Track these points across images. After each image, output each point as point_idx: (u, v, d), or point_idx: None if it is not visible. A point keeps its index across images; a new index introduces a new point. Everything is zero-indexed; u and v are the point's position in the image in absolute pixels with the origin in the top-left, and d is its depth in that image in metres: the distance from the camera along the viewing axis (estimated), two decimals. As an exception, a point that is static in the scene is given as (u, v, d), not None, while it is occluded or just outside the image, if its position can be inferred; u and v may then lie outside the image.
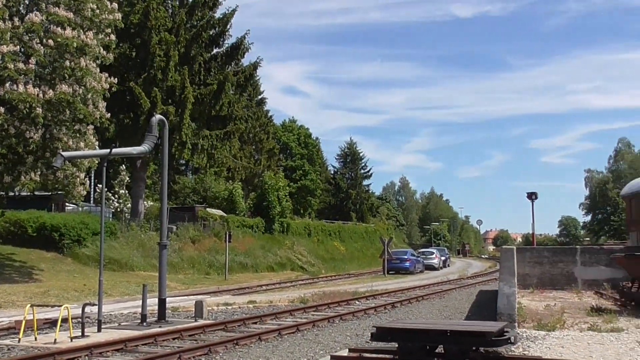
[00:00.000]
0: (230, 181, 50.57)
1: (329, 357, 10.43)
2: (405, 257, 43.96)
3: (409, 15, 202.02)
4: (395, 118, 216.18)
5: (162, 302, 15.47)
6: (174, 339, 12.66)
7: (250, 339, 12.46)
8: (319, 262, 48.94)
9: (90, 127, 23.99)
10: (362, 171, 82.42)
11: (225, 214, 44.05)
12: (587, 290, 24.44)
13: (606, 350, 11.04)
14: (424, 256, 50.31)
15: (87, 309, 13.06)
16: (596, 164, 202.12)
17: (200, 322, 14.90)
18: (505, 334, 9.29)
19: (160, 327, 14.08)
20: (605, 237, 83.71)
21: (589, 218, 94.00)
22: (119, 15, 24.92)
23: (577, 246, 34.57)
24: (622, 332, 13.13)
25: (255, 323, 15.10)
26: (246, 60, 39.76)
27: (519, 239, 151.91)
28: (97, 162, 23.61)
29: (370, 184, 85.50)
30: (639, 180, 33.91)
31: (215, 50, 38.03)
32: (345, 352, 10.68)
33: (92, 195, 40.42)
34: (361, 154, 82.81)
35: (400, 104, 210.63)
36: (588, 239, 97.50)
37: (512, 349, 10.55)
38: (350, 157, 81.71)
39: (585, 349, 11.16)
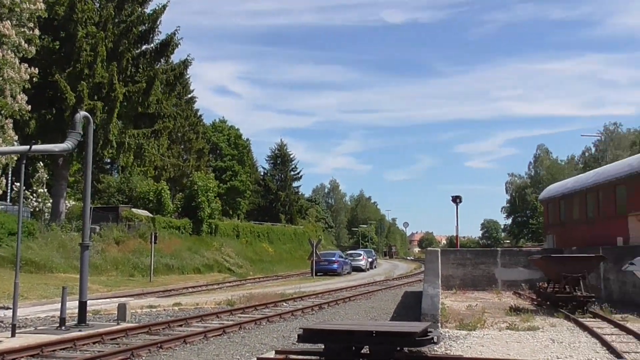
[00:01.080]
0: (160, 181, 49.45)
1: (255, 359, 10.37)
2: (333, 258, 44.28)
3: (342, 19, 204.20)
4: (326, 120, 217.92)
5: (82, 305, 14.93)
6: (94, 343, 12.24)
7: (175, 342, 12.21)
8: (247, 264, 48.60)
9: (9, 121, 22.86)
10: (292, 173, 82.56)
11: (151, 215, 43.03)
12: (507, 291, 25.38)
13: (523, 348, 11.50)
14: (351, 258, 50.86)
15: (1, 312, 12.43)
16: (517, 169, 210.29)
17: (123, 325, 14.46)
18: (428, 334, 9.48)
19: (80, 331, 13.57)
20: (524, 240, 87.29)
21: (509, 221, 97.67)
22: (42, 6, 23.86)
23: (498, 248, 35.85)
24: (537, 330, 13.72)
25: (181, 326, 14.82)
26: (176, 58, 39.14)
27: (444, 241, 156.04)
28: (15, 158, 22.51)
29: (300, 185, 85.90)
30: (555, 185, 35.68)
31: (144, 47, 37.15)
32: (271, 354, 10.64)
33: (8, 194, 38.55)
34: (291, 156, 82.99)
35: (331, 106, 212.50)
36: (508, 241, 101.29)
37: (435, 348, 10.80)
38: (281, 158, 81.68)
39: (504, 347, 11.58)
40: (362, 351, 9.71)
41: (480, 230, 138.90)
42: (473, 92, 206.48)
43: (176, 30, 36.94)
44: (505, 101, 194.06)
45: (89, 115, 16.72)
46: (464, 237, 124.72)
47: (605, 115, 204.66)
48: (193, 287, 30.77)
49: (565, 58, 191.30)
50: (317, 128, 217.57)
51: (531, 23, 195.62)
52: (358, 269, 49.29)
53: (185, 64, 38.58)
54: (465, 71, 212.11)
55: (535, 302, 20.21)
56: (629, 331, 13.29)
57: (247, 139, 75.53)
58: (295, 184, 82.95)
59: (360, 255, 53.98)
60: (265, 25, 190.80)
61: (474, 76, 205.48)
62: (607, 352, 11.01)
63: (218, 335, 13.51)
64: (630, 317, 16.11)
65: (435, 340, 9.67)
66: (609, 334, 12.94)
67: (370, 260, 56.38)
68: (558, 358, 10.49)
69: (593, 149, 78.37)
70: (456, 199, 35.06)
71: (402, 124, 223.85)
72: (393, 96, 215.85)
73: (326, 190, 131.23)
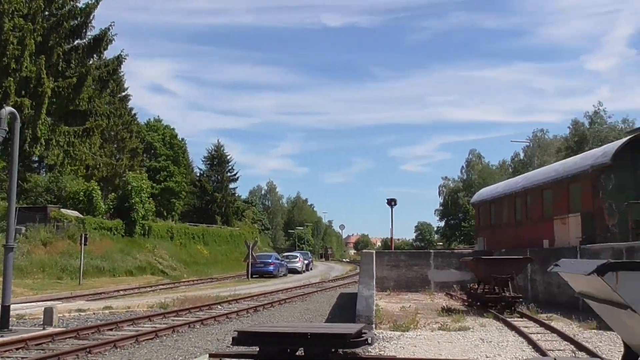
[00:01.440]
0: (91, 180, 47.86)
1: (189, 363, 10.18)
2: (269, 260, 44.16)
3: (280, 21, 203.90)
4: (263, 122, 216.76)
5: (5, 309, 14.26)
6: (17, 349, 11.70)
7: (104, 346, 11.84)
8: (182, 266, 47.77)
9: None
10: (229, 174, 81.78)
11: (81, 215, 41.63)
12: (439, 292, 25.94)
13: (454, 348, 11.77)
14: (287, 260, 50.88)
15: None
16: (451, 173, 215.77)
17: (50, 330, 13.90)
18: (363, 335, 9.55)
19: (2, 336, 12.95)
20: (456, 242, 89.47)
21: (442, 224, 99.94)
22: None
23: (431, 250, 36.62)
24: (468, 330, 14.08)
25: (111, 330, 14.39)
26: (110, 54, 38.08)
27: (379, 243, 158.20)
28: None
29: (236, 187, 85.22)
30: (486, 189, 36.79)
31: (76, 42, 36.02)
32: (205, 358, 10.46)
33: None
34: (228, 157, 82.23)
35: (269, 108, 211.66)
36: (441, 243, 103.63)
37: (370, 349, 10.91)
38: (217, 159, 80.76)
39: (436, 347, 11.82)
40: (297, 353, 9.69)
41: (415, 232, 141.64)
42: (409, 97, 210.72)
43: (110, 25, 36.10)
44: (439, 106, 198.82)
45: (15, 111, 16.00)
46: (398, 240, 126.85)
47: (533, 122, 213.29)
48: (125, 290, 29.97)
49: (498, 66, 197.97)
50: (255, 129, 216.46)
51: (465, 31, 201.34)
52: (294, 271, 49.35)
53: (119, 60, 37.65)
54: (401, 76, 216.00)
55: (466, 303, 20.72)
56: (553, 330, 13.83)
57: (183, 139, 74.41)
58: (231, 186, 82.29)
59: (296, 257, 54.07)
60: (202, 24, 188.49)
61: (410, 81, 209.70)
62: (533, 350, 11.41)
63: (150, 339, 13.19)
64: (555, 316, 16.77)
65: (369, 341, 9.76)
66: (535, 333, 13.42)
67: (306, 262, 56.53)
68: (487, 357, 10.78)
69: (522, 155, 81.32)
70: (391, 202, 35.62)
71: (340, 126, 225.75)
72: (331, 99, 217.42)
73: (263, 192, 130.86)
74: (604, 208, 20.55)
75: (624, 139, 21.81)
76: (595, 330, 13.70)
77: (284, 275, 45.40)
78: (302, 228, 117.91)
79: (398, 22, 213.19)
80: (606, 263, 3.94)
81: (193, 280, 39.73)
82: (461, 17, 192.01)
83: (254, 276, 40.09)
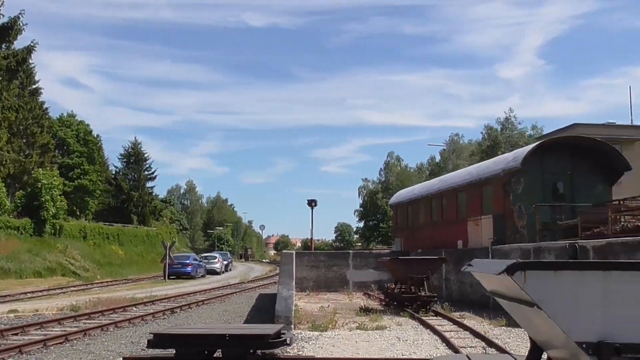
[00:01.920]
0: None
1: (101, 367, 9.82)
2: (187, 261, 43.41)
3: (202, 18, 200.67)
4: (183, 120, 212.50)
5: None
6: None
7: (8, 352, 11.21)
8: (95, 267, 46.06)
9: None
10: (147, 173, 79.64)
11: (-14, 214, 39.37)
12: (358, 292, 26.33)
13: (371, 347, 11.96)
14: (206, 261, 50.19)
15: None
16: (370, 174, 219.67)
17: (-52, 335, 13.04)
18: (282, 335, 9.55)
19: None
20: (375, 243, 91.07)
21: (361, 225, 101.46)
22: None
23: (350, 251, 37.11)
24: (385, 329, 14.35)
25: (17, 334, 13.66)
26: (20, 44, 36.19)
27: (299, 244, 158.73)
28: None
29: (154, 186, 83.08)
30: (404, 191, 37.67)
31: (-19, 30, 34.03)
32: (118, 362, 10.13)
33: None
34: (146, 155, 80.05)
35: (189, 106, 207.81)
36: (360, 244, 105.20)
37: (288, 350, 10.91)
38: (134, 157, 78.46)
39: (354, 346, 11.97)
40: (215, 355, 9.56)
41: (334, 233, 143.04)
42: (330, 99, 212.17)
43: (20, 13, 34.27)
44: (359, 109, 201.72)
45: None
46: (318, 240, 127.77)
47: (449, 126, 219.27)
48: (33, 292, 28.54)
49: (416, 71, 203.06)
50: (174, 127, 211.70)
51: (385, 36, 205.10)
52: (213, 272, 48.75)
53: (29, 49, 35.86)
54: (323, 78, 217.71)
55: (383, 303, 21.12)
56: (465, 327, 14.33)
57: (98, 136, 71.88)
58: (149, 184, 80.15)
59: (215, 258, 53.40)
60: (120, 18, 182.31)
61: (331, 84, 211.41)
62: (446, 347, 11.78)
63: (59, 343, 12.62)
64: (468, 314, 17.40)
65: (288, 342, 9.78)
66: (448, 331, 13.86)
67: (225, 263, 55.97)
68: (403, 355, 11.03)
69: (438, 158, 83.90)
70: (312, 203, 35.86)
71: (261, 127, 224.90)
72: (253, 99, 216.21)
73: (182, 191, 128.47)
74: (514, 210, 21.51)
75: (533, 145, 22.92)
76: (504, 327, 14.31)
77: (203, 276, 44.75)
78: (221, 228, 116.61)
79: (320, 24, 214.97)
80: (515, 263, 4.10)
81: (107, 282, 38.41)
82: (381, 22, 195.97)
83: (171, 277, 39.26)
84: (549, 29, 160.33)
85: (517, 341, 12.33)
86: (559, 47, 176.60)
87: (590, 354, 4.07)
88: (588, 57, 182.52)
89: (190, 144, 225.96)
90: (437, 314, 17.61)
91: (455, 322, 15.49)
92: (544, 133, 57.79)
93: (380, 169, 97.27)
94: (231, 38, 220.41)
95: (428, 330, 14.31)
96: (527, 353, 5.16)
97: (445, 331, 13.68)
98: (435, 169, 78.49)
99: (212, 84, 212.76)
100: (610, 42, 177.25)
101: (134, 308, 19.89)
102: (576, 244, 5.48)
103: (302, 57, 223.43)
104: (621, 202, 19.61)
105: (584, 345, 4.07)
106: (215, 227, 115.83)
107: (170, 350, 9.47)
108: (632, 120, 53.43)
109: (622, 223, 17.12)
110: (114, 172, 78.35)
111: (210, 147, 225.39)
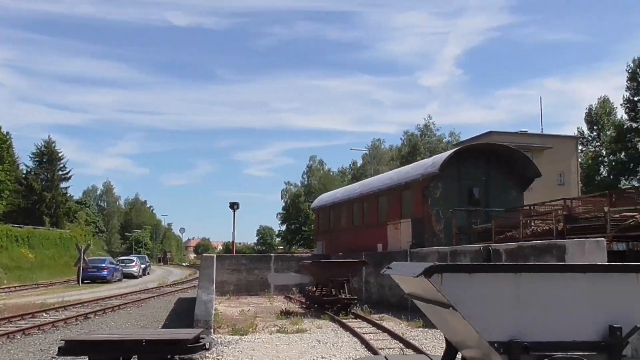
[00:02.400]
0: None
1: (6, 377, 9.31)
2: (103, 265, 42.03)
3: (123, 14, 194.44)
4: (101, 119, 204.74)
5: None
6: None
7: None
8: (1, 272, 43.68)
9: None
10: (60, 173, 76.36)
11: None
12: (279, 295, 26.29)
13: (291, 350, 11.95)
14: (123, 264, 48.83)
15: None
16: (293, 178, 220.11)
17: None
18: (201, 340, 9.39)
19: None
20: (296, 246, 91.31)
21: (284, 228, 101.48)
22: None
23: (272, 254, 37.04)
24: (305, 332, 14.39)
25: None
26: None
27: (220, 247, 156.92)
28: None
29: (69, 186, 79.87)
30: (326, 195, 37.99)
31: None
32: (26, 371, 9.64)
33: None
34: (60, 154, 76.70)
35: (107, 104, 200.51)
36: (282, 247, 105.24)
37: (207, 354, 10.74)
38: (47, 156, 75.05)
39: (274, 350, 11.93)
40: (130, 362, 9.28)
41: (256, 236, 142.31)
42: (253, 101, 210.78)
43: None
44: (283, 112, 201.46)
45: None
46: (240, 243, 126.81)
47: (372, 132, 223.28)
48: None
49: (340, 76, 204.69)
50: (91, 126, 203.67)
51: (308, 40, 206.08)
52: (130, 276, 47.47)
53: None
54: (247, 80, 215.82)
55: (304, 306, 21.18)
56: (384, 329, 14.59)
57: (8, 133, 68.08)
58: (63, 185, 76.82)
59: (132, 261, 52.06)
60: (35, 10, 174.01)
61: (255, 86, 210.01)
62: (365, 349, 11.94)
63: (-40, 352, 11.87)
64: (387, 316, 17.72)
65: (207, 346, 9.61)
66: (367, 333, 14.06)
67: (143, 266, 54.68)
68: (323, 358, 11.08)
69: (360, 162, 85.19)
70: (234, 206, 35.54)
71: (183, 127, 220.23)
72: (174, 99, 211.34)
73: (99, 192, 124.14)
74: (432, 214, 22.14)
75: (451, 151, 23.69)
76: (421, 329, 14.67)
77: (119, 280, 43.42)
78: (139, 231, 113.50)
79: (245, 26, 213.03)
80: (432, 266, 4.20)
81: (15, 287, 36.49)
82: (306, 26, 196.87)
83: (85, 282, 37.83)
84: (467, 39, 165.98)
85: (434, 342, 12.66)
86: (476, 57, 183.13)
87: (501, 352, 4.23)
88: (503, 68, 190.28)
89: (108, 144, 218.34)
90: (357, 316, 17.82)
91: (374, 324, 15.74)
92: (461, 140, 60.03)
93: (303, 172, 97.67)
94: (153, 36, 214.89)
95: (348, 332, 14.45)
96: (442, 353, 5.30)
97: (364, 333, 13.86)
98: (358, 174, 79.66)
99: (131, 83, 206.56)
100: (524, 55, 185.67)
101: (44, 314, 18.99)
102: (490, 248, 5.69)
103: (226, 59, 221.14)
104: (532, 207, 20.60)
105: (495, 345, 4.22)
106: (133, 230, 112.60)
107: (82, 357, 9.11)
108: (542, 129, 56.49)
109: (532, 227, 17.97)
110: (24, 172, 74.67)
111: (130, 148, 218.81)
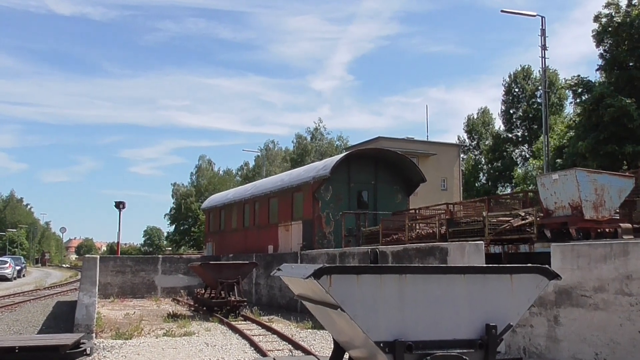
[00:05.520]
0: None
1: None
2: (-27, 267, 39.08)
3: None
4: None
5: None
6: None
7: None
8: None
9: None
10: None
11: None
12: (167, 298, 25.65)
13: (178, 353, 11.70)
14: (-5, 266, 45.67)
15: None
16: (182, 177, 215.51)
17: None
18: (81, 345, 9.01)
19: None
20: (185, 247, 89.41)
21: (172, 228, 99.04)
22: None
23: (159, 255, 36.06)
24: (193, 335, 14.14)
25: None
26: None
27: (104, 248, 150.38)
28: None
29: None
30: (217, 196, 37.53)
31: None
32: None
33: None
34: None
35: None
36: (170, 248, 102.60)
37: (88, 360, 10.27)
38: None
39: (160, 354, 11.61)
40: (2, 370, 8.70)
41: (143, 237, 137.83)
42: (141, 97, 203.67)
43: None
44: (172, 110, 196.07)
45: None
46: (126, 244, 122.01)
47: (264, 133, 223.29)
48: None
49: (231, 76, 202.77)
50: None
51: (200, 38, 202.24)
52: (3, 278, 44.49)
53: None
54: (134, 75, 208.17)
55: (192, 308, 20.81)
56: (274, 331, 14.63)
57: None
58: None
59: (6, 262, 48.73)
60: None
61: (142, 82, 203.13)
62: (254, 351, 11.93)
63: None
64: (276, 318, 17.78)
65: (88, 351, 9.25)
66: (257, 335, 14.04)
67: (18, 268, 51.41)
68: (211, 361, 10.94)
69: (252, 164, 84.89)
70: (119, 205, 34.23)
71: (64, 122, 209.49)
72: (55, 91, 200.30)
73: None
74: (322, 216, 22.50)
75: (342, 155, 24.22)
76: (310, 330, 14.85)
77: (-10, 283, 40.53)
78: (14, 230, 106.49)
79: (133, 20, 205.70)
80: (321, 267, 4.27)
81: None
82: (198, 23, 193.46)
83: (-49, 285, 34.96)
84: (357, 46, 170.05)
85: (322, 343, 12.86)
86: (365, 64, 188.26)
87: (386, 352, 4.37)
88: (391, 76, 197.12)
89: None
90: (246, 318, 17.74)
91: (263, 326, 15.74)
92: (350, 144, 61.47)
93: (192, 172, 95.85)
94: (32, 24, 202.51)
95: (237, 334, 14.36)
96: (330, 354, 5.40)
97: (253, 335, 13.83)
98: (250, 175, 79.31)
99: (7, 72, 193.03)
100: (410, 64, 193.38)
101: None
102: (377, 250, 5.87)
103: (113, 52, 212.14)
104: (417, 211, 21.48)
105: (381, 344, 4.36)
106: (7, 229, 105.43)
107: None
108: (427, 136, 59.13)
109: (417, 230, 18.72)
110: None
111: (5, 141, 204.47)
